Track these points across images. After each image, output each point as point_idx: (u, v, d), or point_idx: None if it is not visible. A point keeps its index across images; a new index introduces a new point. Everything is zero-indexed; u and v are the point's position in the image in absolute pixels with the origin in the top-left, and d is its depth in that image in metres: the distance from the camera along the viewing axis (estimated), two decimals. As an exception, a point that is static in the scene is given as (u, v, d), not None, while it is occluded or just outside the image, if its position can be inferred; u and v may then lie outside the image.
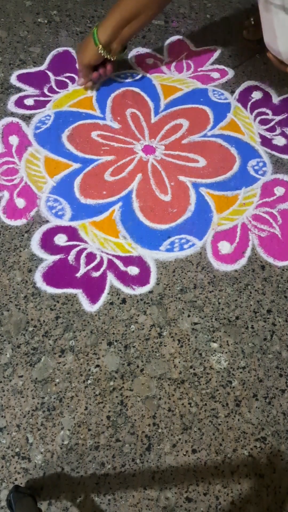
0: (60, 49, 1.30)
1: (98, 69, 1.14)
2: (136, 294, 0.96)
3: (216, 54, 1.32)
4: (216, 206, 1.07)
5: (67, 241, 1.00)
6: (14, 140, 1.13)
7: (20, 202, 1.05)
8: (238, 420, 0.85)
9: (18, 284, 0.95)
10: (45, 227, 1.02)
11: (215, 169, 1.12)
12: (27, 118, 1.17)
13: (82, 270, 0.97)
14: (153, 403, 0.86)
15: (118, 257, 0.99)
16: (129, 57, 1.29)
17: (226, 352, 0.91)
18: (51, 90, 1.22)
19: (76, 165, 1.10)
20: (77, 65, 1.16)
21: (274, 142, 1.18)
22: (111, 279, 0.97)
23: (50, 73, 1.25)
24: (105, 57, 1.07)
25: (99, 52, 1.05)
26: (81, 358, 0.89)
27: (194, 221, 1.04)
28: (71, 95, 1.21)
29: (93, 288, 0.95)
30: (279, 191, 1.10)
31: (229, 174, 1.12)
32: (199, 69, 1.29)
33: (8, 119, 1.16)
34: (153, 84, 1.25)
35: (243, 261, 1.01)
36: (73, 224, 1.02)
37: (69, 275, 0.96)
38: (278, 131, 1.20)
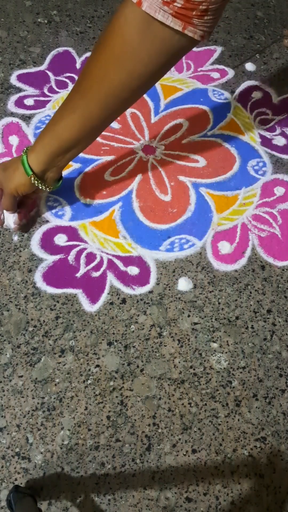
0: (60, 49, 1.30)
1: (24, 202, 0.95)
2: (136, 294, 0.96)
3: (216, 54, 1.32)
4: (216, 206, 1.07)
5: (67, 241, 1.00)
6: (14, 140, 1.13)
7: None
8: (238, 420, 0.85)
9: (18, 284, 0.95)
10: (45, 227, 1.02)
11: (215, 169, 1.12)
12: (27, 118, 1.17)
13: (82, 270, 0.97)
14: (153, 403, 0.86)
15: (118, 257, 0.99)
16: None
17: (226, 352, 0.91)
18: (51, 90, 1.22)
19: (76, 165, 1.10)
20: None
21: (274, 142, 1.18)
22: (111, 279, 0.97)
23: (50, 73, 1.25)
24: (39, 187, 0.85)
25: (32, 182, 0.82)
26: (81, 358, 0.89)
27: (194, 221, 1.04)
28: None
29: (93, 288, 0.95)
30: (279, 191, 1.10)
31: (229, 174, 1.12)
32: (199, 69, 1.29)
33: (8, 119, 1.16)
34: (153, 84, 1.25)
35: (243, 261, 1.01)
36: (73, 224, 1.02)
37: (69, 275, 0.96)
38: (278, 131, 1.20)
